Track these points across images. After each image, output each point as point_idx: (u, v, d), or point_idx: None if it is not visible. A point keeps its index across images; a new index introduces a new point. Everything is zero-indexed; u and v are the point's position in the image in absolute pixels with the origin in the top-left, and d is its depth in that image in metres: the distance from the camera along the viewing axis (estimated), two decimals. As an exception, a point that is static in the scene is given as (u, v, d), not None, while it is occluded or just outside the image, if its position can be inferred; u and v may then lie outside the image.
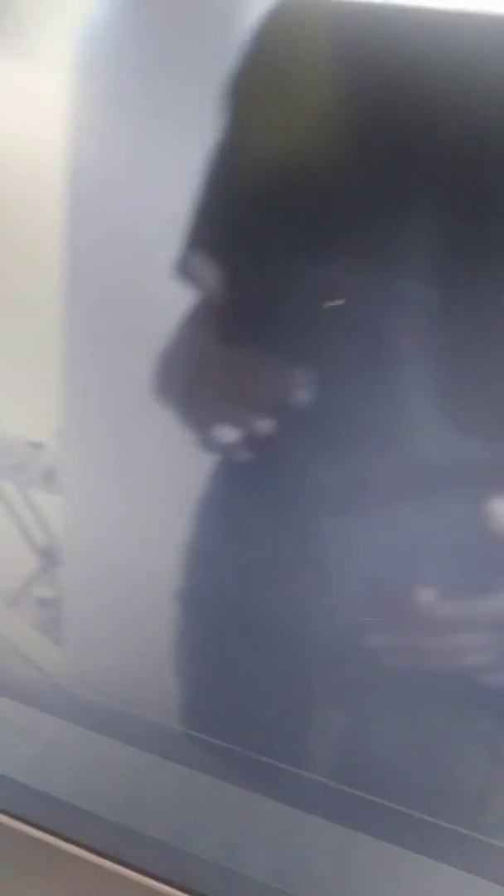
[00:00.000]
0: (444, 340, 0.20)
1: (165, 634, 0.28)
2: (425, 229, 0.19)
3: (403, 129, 0.19)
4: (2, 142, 0.22)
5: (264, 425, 0.22)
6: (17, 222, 0.23)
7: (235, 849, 0.30)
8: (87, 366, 0.24)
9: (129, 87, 0.21)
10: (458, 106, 0.18)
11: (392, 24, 0.18)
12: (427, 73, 0.18)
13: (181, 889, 0.30)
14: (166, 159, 0.21)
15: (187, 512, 0.25)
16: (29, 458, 0.26)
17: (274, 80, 0.19)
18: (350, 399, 0.21)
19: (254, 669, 0.26)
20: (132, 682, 0.29)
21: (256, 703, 0.27)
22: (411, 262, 0.19)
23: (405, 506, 0.22)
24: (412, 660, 0.24)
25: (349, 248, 0.20)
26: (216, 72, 0.19)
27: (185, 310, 0.22)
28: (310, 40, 0.19)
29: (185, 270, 0.21)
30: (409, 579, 0.23)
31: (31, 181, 0.23)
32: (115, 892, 0.32)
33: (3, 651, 0.31)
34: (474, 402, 0.20)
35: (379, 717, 0.25)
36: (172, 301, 0.22)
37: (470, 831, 0.26)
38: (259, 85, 0.19)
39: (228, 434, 0.23)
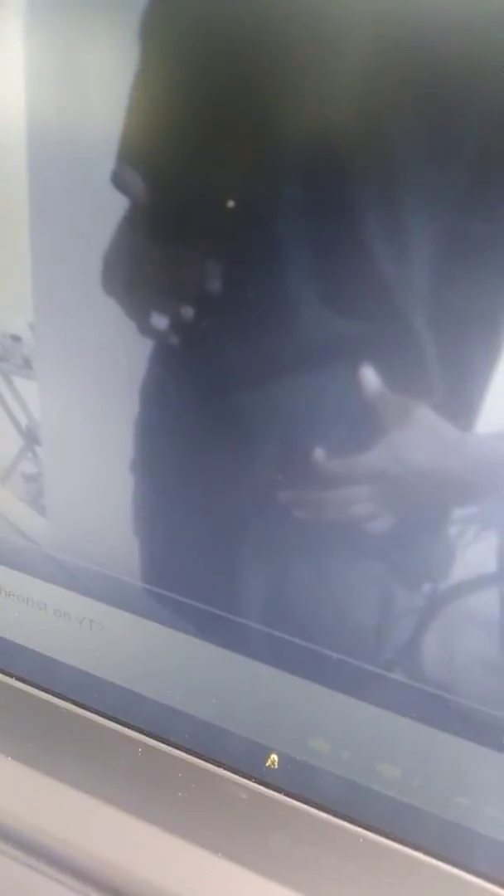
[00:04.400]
0: (315, 236, 0.24)
1: (125, 502, 0.33)
2: (302, 148, 0.23)
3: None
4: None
5: (186, 312, 0.27)
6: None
7: (180, 686, 0.36)
8: (49, 269, 0.29)
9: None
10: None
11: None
12: None
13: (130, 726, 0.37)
14: (98, 86, 0.25)
15: (134, 392, 0.30)
16: (10, 350, 0.31)
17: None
18: (250, 286, 0.26)
19: (194, 530, 0.32)
20: (103, 546, 0.35)
21: (198, 559, 0.32)
22: (290, 169, 0.24)
23: (299, 378, 0.27)
24: (315, 512, 0.28)
25: (240, 163, 0.24)
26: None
27: (122, 214, 0.27)
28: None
29: (118, 181, 0.26)
30: (306, 440, 0.27)
31: None
32: (82, 733, 0.39)
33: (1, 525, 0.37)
34: (344, 287, 0.24)
35: (294, 566, 0.30)
36: (113, 207, 0.27)
37: (371, 666, 0.31)
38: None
39: (160, 321, 0.28)
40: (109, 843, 0.38)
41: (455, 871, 0.33)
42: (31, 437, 0.33)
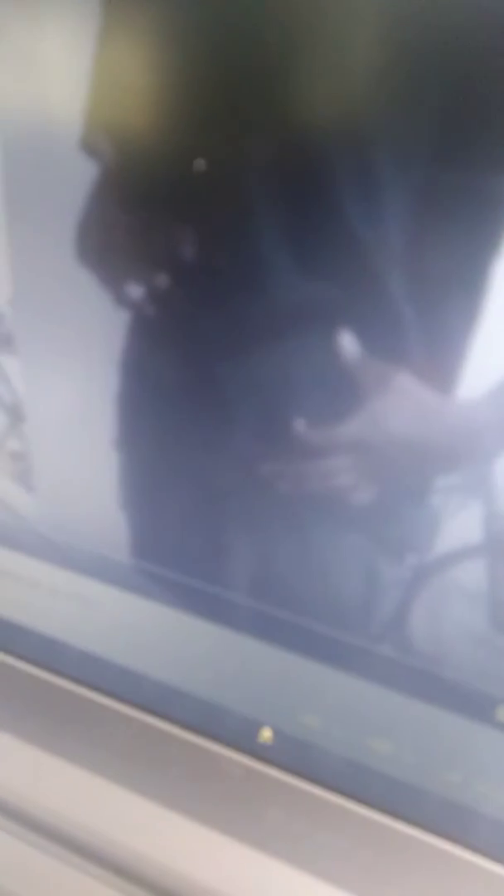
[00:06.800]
0: (287, 198, 0.23)
1: (112, 479, 0.33)
2: (272, 109, 0.23)
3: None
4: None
5: (160, 279, 0.26)
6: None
7: (172, 662, 0.35)
8: (26, 244, 0.29)
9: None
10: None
11: None
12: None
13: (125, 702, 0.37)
14: (64, 56, 0.25)
15: (115, 366, 0.29)
16: (-9, 327, 0.31)
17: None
18: (223, 251, 0.25)
19: (180, 504, 0.31)
20: (92, 522, 0.35)
21: (185, 533, 0.32)
22: (260, 130, 0.23)
23: (277, 345, 0.26)
24: (298, 483, 0.28)
25: (209, 124, 0.24)
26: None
27: (93, 182, 0.26)
28: None
29: (87, 145, 0.25)
30: (287, 410, 0.27)
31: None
32: (77, 709, 0.39)
33: (-9, 504, 0.37)
34: (319, 250, 0.24)
35: (279, 538, 0.30)
36: (84, 175, 0.26)
37: (358, 639, 0.30)
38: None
39: (135, 290, 0.27)
40: (106, 817, 0.38)
41: (449, 846, 0.33)
42: (16, 415, 0.33)
